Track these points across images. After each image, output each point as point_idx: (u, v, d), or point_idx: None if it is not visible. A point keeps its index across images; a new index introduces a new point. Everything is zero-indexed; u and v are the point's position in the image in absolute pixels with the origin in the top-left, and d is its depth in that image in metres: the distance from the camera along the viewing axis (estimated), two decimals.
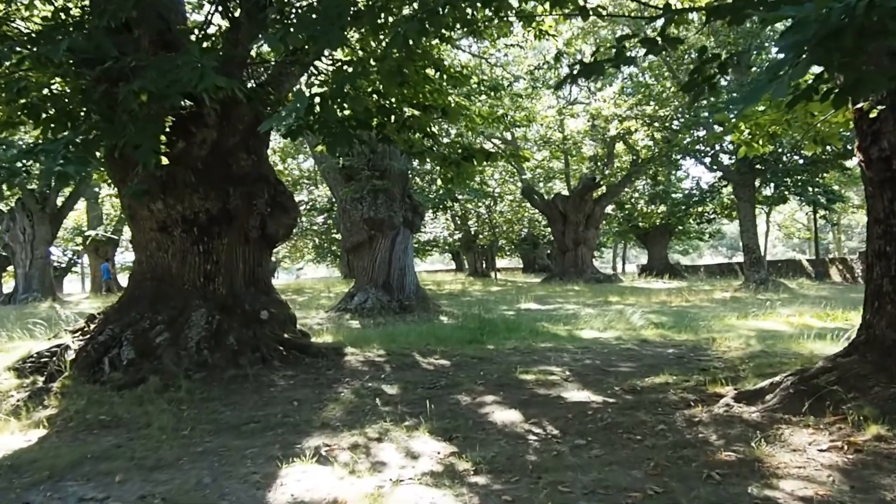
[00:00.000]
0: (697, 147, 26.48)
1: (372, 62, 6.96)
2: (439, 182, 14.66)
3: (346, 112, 7.69)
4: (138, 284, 9.65)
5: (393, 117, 7.53)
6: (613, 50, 5.81)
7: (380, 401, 7.22)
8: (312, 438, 5.96)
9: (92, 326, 9.60)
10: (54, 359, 8.74)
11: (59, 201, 31.12)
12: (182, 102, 8.54)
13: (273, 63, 10.53)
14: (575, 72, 5.63)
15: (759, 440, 5.08)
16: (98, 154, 9.80)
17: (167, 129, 9.03)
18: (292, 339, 9.64)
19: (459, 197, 33.27)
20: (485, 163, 9.03)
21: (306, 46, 8.13)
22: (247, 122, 9.65)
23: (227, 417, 6.87)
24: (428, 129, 8.58)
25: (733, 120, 9.06)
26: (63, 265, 51.27)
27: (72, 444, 6.06)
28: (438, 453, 5.34)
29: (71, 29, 6.97)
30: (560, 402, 6.93)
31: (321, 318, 17.30)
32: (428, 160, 9.08)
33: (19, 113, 7.36)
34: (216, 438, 6.13)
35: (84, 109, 7.46)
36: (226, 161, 9.60)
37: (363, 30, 7.41)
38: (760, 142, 9.29)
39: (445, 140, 9.27)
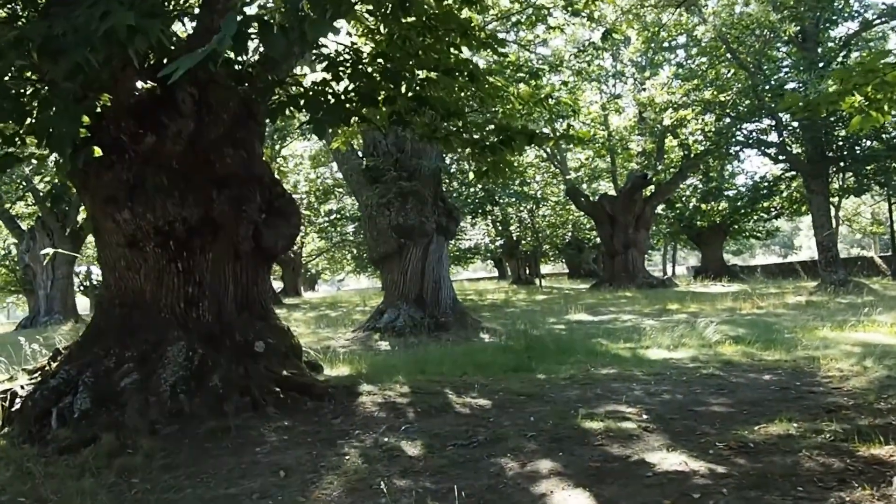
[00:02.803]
0: (762, 136, 24.13)
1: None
2: (471, 176, 12.63)
3: (344, 85, 5.80)
4: (105, 313, 7.87)
5: (404, 86, 5.63)
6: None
7: (395, 470, 5.29)
8: None
9: (54, 365, 7.83)
10: None
11: (81, 219, 29.63)
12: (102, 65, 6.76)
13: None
14: None
15: None
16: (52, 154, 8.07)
17: (136, 118, 7.32)
18: (293, 377, 7.74)
19: (500, 201, 31.25)
20: (528, 148, 7.07)
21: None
22: (233, 110, 7.81)
23: (187, 499, 5.01)
24: (452, 105, 6.66)
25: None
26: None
27: None
28: None
29: None
30: (646, 472, 4.91)
31: (348, 338, 15.45)
32: (457, 147, 7.13)
33: None
34: None
35: None
36: (207, 159, 7.76)
37: None
38: (885, 107, 7.18)
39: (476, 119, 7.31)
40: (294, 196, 32.95)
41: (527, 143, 7.04)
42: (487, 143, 7.09)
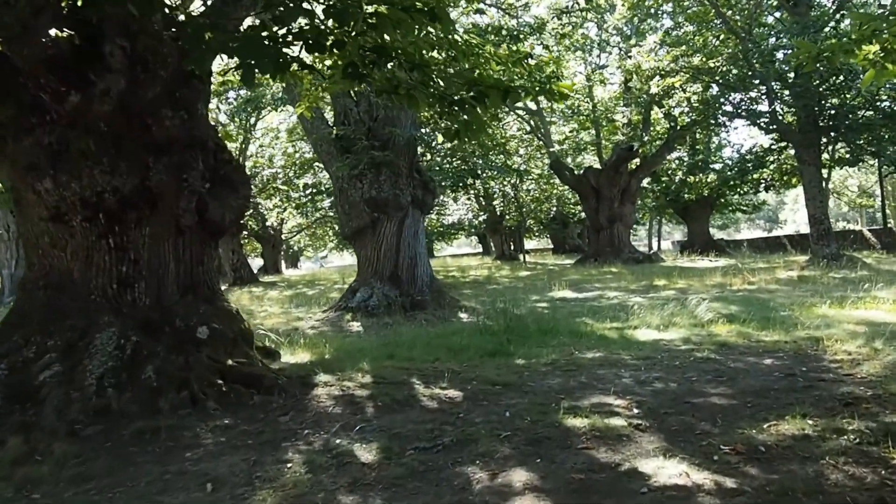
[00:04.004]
0: (752, 106, 23.25)
1: None
2: (440, 139, 11.61)
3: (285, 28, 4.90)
4: (28, 296, 6.97)
5: (353, 24, 4.74)
6: None
7: (343, 481, 4.46)
8: None
9: None
10: None
11: None
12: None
13: None
14: None
15: None
16: None
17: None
18: (239, 368, 6.87)
19: (481, 174, 30.29)
20: (511, 120, 6.17)
21: None
22: (171, 66, 6.88)
23: None
24: (417, 56, 5.77)
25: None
26: None
27: None
28: None
29: None
30: (639, 486, 4.10)
31: (318, 318, 14.58)
32: (423, 105, 6.23)
33: None
34: None
35: None
36: (142, 121, 6.85)
37: None
38: None
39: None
40: (270, 171, 31.92)
41: (502, 100, 6.15)
42: (457, 100, 6.21)
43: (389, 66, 5.93)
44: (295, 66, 4.93)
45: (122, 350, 6.43)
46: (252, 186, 34.35)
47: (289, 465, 4.85)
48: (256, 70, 4.37)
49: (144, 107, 6.85)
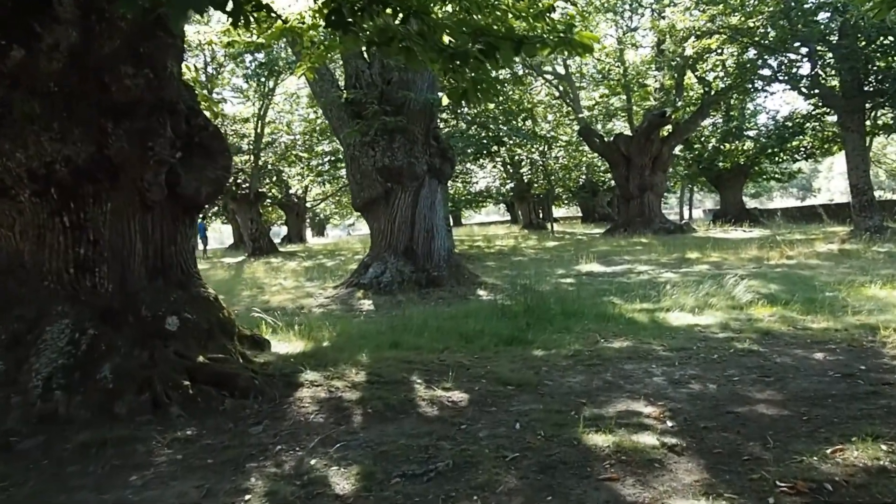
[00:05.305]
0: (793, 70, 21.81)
1: None
2: (442, 98, 10.41)
3: None
4: None
5: None
6: None
7: None
8: None
9: None
10: None
11: None
12: None
13: None
14: None
15: None
16: None
17: None
18: (211, 365, 5.99)
19: (506, 141, 29.14)
20: (518, 58, 5.18)
21: None
22: (133, 15, 5.96)
23: None
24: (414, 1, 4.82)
25: None
26: None
27: None
28: None
29: None
30: None
31: (328, 295, 13.74)
32: (423, 61, 5.29)
33: None
34: None
35: None
36: (99, 80, 5.94)
37: None
38: None
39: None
40: (289, 137, 30.96)
41: (514, 52, 5.18)
42: (462, 53, 5.24)
43: (384, 13, 5.00)
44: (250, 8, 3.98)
45: (76, 345, 5.60)
46: (272, 154, 33.72)
47: (247, 496, 3.97)
48: (190, 9, 3.45)
49: (101, 63, 5.93)
